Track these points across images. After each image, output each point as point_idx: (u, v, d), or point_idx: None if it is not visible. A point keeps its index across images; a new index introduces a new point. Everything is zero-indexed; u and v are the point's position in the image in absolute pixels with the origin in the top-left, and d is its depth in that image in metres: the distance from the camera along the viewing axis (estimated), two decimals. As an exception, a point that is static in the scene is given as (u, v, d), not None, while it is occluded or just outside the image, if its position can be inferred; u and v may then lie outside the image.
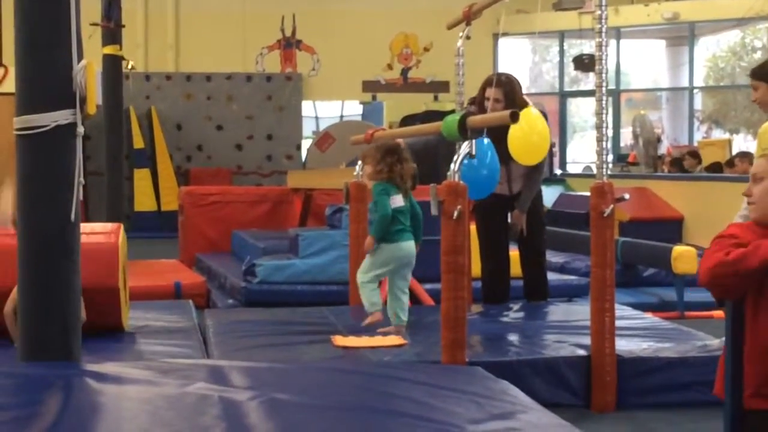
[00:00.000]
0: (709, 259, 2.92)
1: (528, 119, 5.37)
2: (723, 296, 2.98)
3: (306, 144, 17.99)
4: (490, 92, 6.57)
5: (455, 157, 4.85)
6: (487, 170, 5.80)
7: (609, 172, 5.18)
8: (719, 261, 2.88)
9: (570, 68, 17.58)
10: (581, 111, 20.47)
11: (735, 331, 2.99)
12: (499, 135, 6.51)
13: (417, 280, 7.62)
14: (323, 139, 16.70)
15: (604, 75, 5.07)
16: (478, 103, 6.68)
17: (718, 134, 19.17)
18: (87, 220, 5.63)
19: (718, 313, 7.37)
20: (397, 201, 5.90)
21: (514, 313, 6.63)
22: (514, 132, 5.33)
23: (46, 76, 3.95)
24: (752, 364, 2.96)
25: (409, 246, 5.90)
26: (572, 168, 18.17)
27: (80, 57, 3.99)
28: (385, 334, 5.74)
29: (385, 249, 5.88)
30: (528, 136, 5.34)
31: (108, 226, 6.14)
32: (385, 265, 5.89)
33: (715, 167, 13.63)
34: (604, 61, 5.06)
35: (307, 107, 18.95)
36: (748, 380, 2.97)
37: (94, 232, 5.85)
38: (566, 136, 18.14)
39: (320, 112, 20.71)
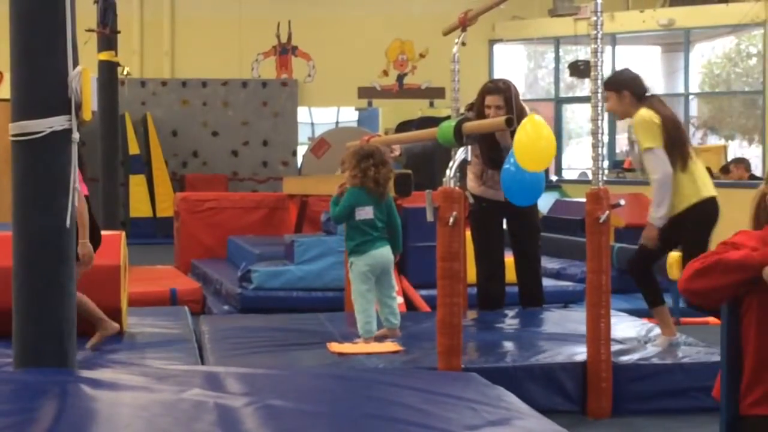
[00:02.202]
0: (687, 267, 2.95)
1: (533, 125, 5.35)
2: (698, 302, 2.98)
3: (302, 150, 17.98)
4: (491, 99, 6.57)
5: (451, 164, 4.86)
6: (530, 173, 5.78)
7: (605, 178, 5.19)
8: (691, 269, 2.90)
9: (565, 74, 17.59)
10: (577, 117, 20.48)
11: (730, 337, 2.99)
12: (491, 141, 6.52)
13: (412, 287, 7.63)
14: (319, 146, 16.68)
15: (599, 81, 5.08)
16: (477, 109, 6.68)
17: (713, 140, 19.16)
18: (82, 226, 5.68)
19: (714, 320, 7.38)
20: (365, 213, 5.87)
21: (509, 320, 6.63)
22: (520, 138, 5.31)
23: (41, 82, 3.94)
24: (758, 372, 2.93)
25: (381, 254, 5.85)
26: (568, 174, 18.19)
27: (76, 63, 3.98)
28: (378, 339, 5.74)
29: (358, 263, 5.85)
30: (535, 142, 5.32)
31: (109, 234, 6.14)
32: (366, 279, 5.83)
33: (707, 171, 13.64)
34: (599, 67, 5.07)
35: (302, 113, 18.94)
36: (752, 387, 2.95)
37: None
38: (562, 143, 18.12)
39: (316, 119, 20.70)
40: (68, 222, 3.95)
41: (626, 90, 5.76)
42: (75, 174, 3.98)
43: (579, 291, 8.00)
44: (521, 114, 6.29)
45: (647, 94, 5.85)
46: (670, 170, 5.57)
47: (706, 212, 5.70)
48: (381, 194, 5.89)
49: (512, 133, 5.75)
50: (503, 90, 6.55)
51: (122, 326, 6.04)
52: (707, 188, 5.74)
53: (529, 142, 5.36)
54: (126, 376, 3.93)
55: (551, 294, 7.67)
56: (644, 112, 5.69)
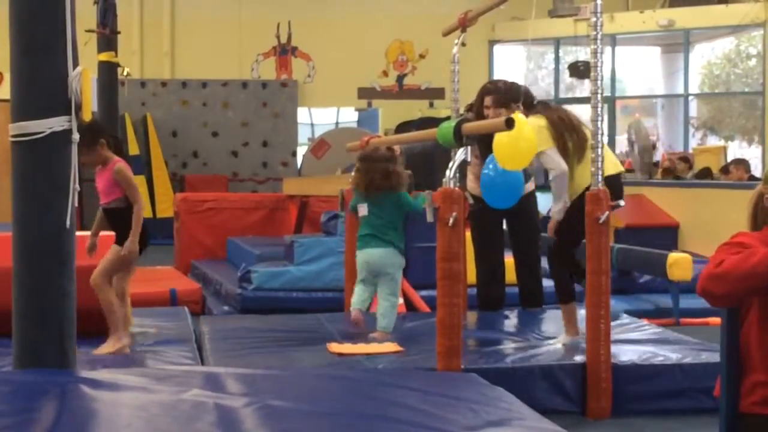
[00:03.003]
0: (705, 268, 2.89)
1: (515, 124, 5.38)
2: (717, 305, 2.95)
3: (301, 151, 17.99)
4: (489, 100, 6.57)
5: (450, 164, 4.85)
6: (507, 176, 5.79)
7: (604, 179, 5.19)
8: (707, 273, 2.84)
9: (565, 75, 17.59)
10: (577, 118, 20.46)
11: (730, 337, 2.99)
12: (491, 141, 6.52)
13: (412, 287, 7.64)
14: (319, 146, 16.70)
15: (599, 82, 5.08)
16: (476, 110, 6.67)
17: (713, 141, 19.17)
18: (82, 227, 5.64)
19: (714, 320, 7.39)
20: (362, 210, 6.17)
21: (509, 320, 6.63)
22: (500, 137, 5.34)
23: (41, 82, 3.94)
24: (760, 372, 2.92)
25: (370, 254, 6.06)
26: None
27: (75, 64, 3.98)
28: (376, 340, 5.77)
29: (357, 255, 6.18)
30: (515, 141, 5.35)
31: (109, 235, 6.15)
32: (360, 271, 6.15)
33: (706, 173, 13.66)
34: (599, 68, 5.07)
35: (302, 114, 18.94)
36: (754, 388, 2.94)
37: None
38: (561, 143, 18.08)
39: (316, 119, 20.69)
40: (68, 222, 3.96)
41: (515, 104, 6.02)
42: (75, 175, 3.98)
43: (579, 292, 7.98)
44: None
45: (534, 103, 6.07)
46: (564, 167, 5.74)
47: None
48: (369, 194, 6.13)
49: None
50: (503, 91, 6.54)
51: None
52: (608, 167, 5.77)
53: (509, 141, 5.38)
54: (126, 377, 3.93)
55: (551, 294, 7.64)
56: (530, 119, 5.79)
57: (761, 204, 3.04)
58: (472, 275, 6.92)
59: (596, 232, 5.03)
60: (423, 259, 7.46)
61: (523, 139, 5.38)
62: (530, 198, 6.86)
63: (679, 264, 8.01)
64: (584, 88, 18.00)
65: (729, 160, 14.47)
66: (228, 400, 3.48)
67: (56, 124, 3.92)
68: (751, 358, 2.95)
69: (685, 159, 14.94)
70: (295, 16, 17.96)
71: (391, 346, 5.57)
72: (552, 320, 6.67)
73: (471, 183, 6.90)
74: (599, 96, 5.10)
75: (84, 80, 3.94)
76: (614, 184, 5.82)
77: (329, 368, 5.00)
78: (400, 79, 18.36)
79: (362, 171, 6.16)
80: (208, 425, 3.20)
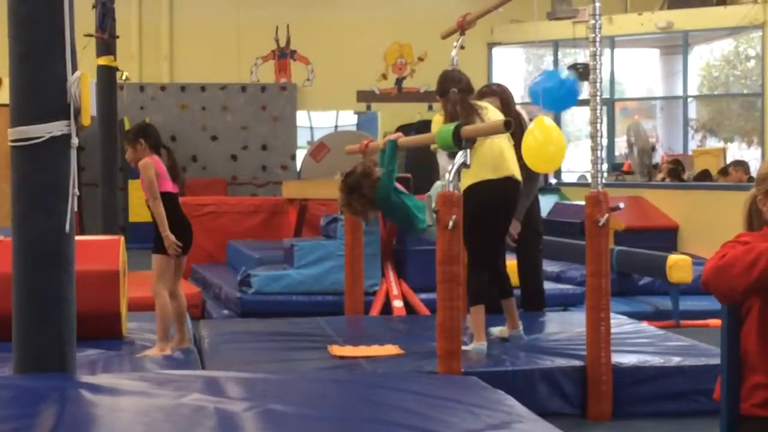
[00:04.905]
0: (709, 260, 2.85)
1: (542, 128, 5.37)
2: (722, 300, 2.92)
3: (301, 154, 17.98)
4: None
5: (450, 167, 4.85)
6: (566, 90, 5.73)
7: (604, 181, 5.19)
8: (712, 265, 2.81)
9: (564, 77, 17.58)
10: (576, 120, 20.48)
11: (730, 339, 2.98)
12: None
13: (412, 290, 7.64)
14: (318, 149, 16.68)
15: (598, 84, 5.08)
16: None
17: (712, 143, 19.16)
18: (82, 231, 5.65)
19: (714, 322, 7.39)
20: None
21: (509, 323, 6.62)
22: (528, 142, 5.35)
23: (40, 87, 3.94)
24: (761, 375, 2.91)
25: None
26: (567, 177, 18.17)
27: (74, 68, 3.98)
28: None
29: None
30: (544, 146, 5.35)
31: (109, 239, 6.16)
32: None
33: (704, 175, 13.67)
34: (598, 71, 5.08)
35: (301, 117, 18.93)
36: (755, 390, 2.93)
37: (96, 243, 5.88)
38: (561, 146, 18.04)
39: (315, 122, 20.68)
40: (67, 227, 3.95)
41: (439, 96, 5.83)
42: (74, 179, 3.98)
43: (579, 294, 8.00)
44: (516, 119, 6.29)
45: (447, 94, 5.82)
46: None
47: (475, 195, 5.57)
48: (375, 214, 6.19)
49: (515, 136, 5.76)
50: (498, 93, 6.54)
51: (122, 331, 6.04)
52: (485, 171, 5.66)
53: (538, 146, 5.37)
54: (126, 381, 3.92)
55: (551, 297, 7.67)
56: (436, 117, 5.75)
57: (755, 207, 3.03)
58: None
59: (596, 234, 5.03)
60: (422, 262, 7.46)
61: (551, 143, 5.38)
62: (532, 201, 6.86)
63: (678, 266, 8.01)
64: (583, 90, 17.99)
65: (728, 161, 14.47)
66: (228, 404, 3.48)
67: (55, 128, 3.92)
68: (752, 360, 2.94)
69: (678, 162, 14.95)
70: (293, 20, 17.96)
71: (391, 349, 5.57)
72: (553, 322, 6.67)
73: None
74: (598, 98, 5.10)
75: (83, 85, 3.94)
76: (489, 189, 5.71)
77: (329, 372, 5.00)
78: (399, 82, 18.36)
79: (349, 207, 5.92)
80: (209, 430, 3.19)
